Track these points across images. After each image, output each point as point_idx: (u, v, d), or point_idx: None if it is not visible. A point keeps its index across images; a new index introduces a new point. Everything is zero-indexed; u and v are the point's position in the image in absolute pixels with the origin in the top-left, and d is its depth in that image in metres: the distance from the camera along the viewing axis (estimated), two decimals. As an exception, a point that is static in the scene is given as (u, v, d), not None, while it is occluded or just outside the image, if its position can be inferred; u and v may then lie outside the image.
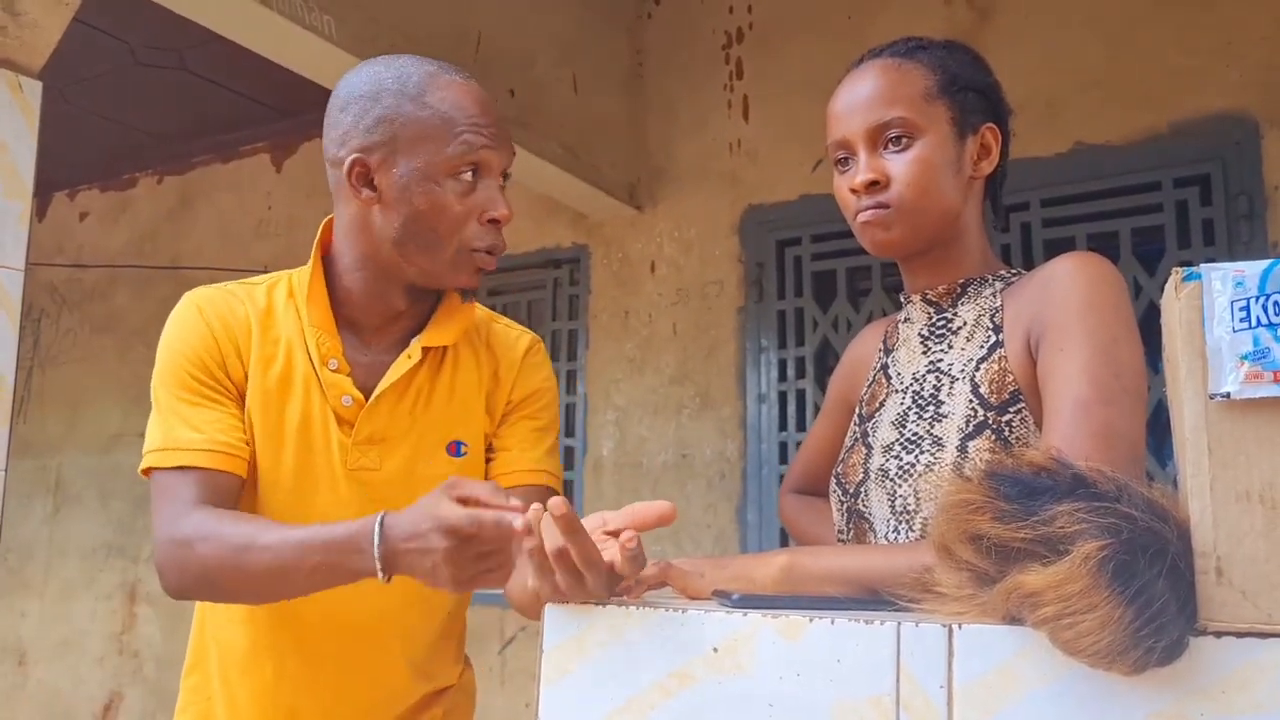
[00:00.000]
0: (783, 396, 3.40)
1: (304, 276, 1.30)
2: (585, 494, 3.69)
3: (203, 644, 1.36)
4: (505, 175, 1.30)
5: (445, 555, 1.02)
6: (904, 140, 1.16)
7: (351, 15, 2.51)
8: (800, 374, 3.39)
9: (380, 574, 1.07)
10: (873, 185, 1.16)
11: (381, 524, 1.07)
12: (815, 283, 3.41)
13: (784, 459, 3.37)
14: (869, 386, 1.30)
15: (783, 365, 3.42)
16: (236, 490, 1.24)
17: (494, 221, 1.26)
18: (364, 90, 1.25)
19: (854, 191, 1.18)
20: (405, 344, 1.30)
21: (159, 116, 4.58)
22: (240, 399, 1.27)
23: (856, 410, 1.31)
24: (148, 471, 1.23)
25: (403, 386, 1.29)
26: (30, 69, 1.86)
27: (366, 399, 1.28)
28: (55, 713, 4.85)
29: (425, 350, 1.30)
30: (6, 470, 1.84)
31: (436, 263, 1.25)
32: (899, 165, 1.16)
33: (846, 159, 1.21)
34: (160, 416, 1.24)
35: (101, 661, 4.78)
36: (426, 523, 1.03)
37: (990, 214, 1.27)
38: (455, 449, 1.32)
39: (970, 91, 1.19)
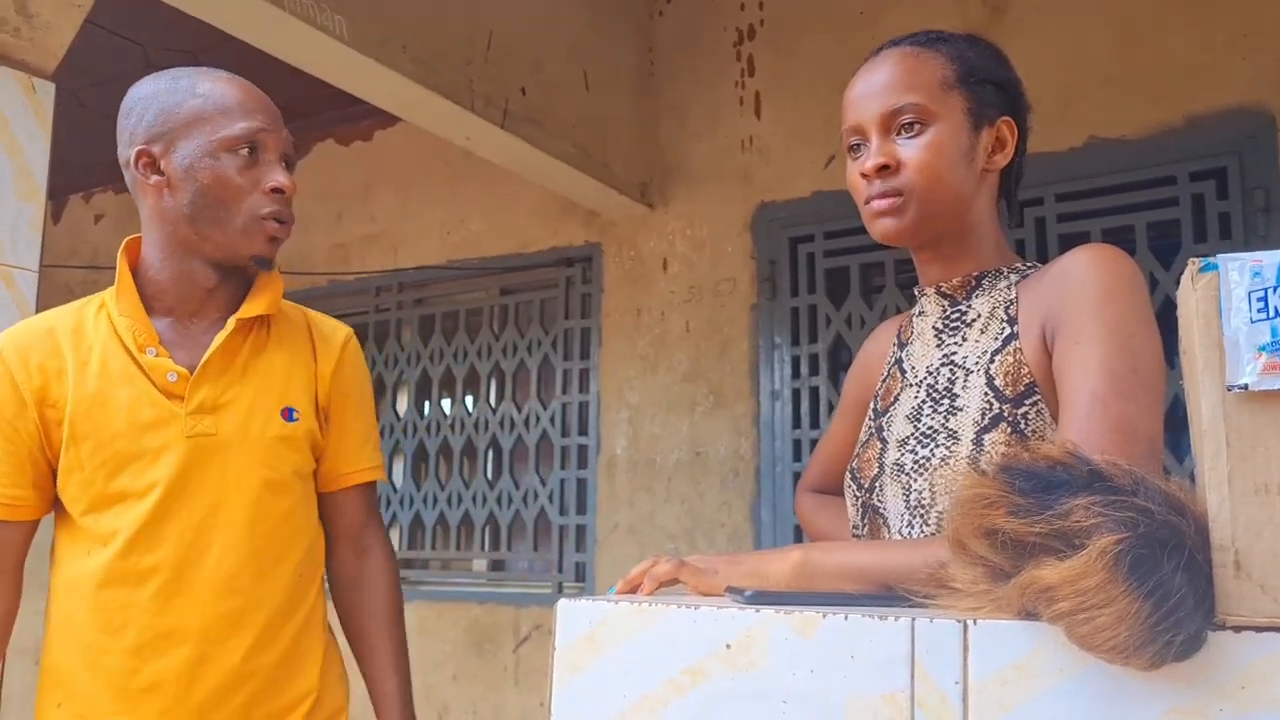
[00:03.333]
0: (796, 393, 3.39)
1: (113, 287, 1.41)
2: (599, 493, 3.69)
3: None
4: (288, 161, 1.42)
5: None
6: (917, 127, 1.15)
7: (363, 15, 2.51)
8: (814, 371, 3.38)
9: None
10: (883, 169, 1.16)
11: None
12: (828, 279, 3.39)
13: (798, 456, 3.36)
14: (884, 381, 1.30)
15: (796, 362, 3.41)
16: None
17: (277, 191, 1.38)
18: (141, 95, 1.41)
19: (864, 176, 1.17)
20: (223, 323, 1.41)
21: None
22: (45, 425, 1.35)
23: (871, 405, 1.30)
24: None
25: (228, 358, 1.40)
26: (43, 70, 1.87)
27: (192, 374, 1.37)
28: None
29: (245, 323, 1.41)
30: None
31: (229, 233, 1.37)
32: (911, 150, 1.15)
33: (859, 145, 1.20)
34: None
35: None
36: None
37: (1004, 210, 1.26)
38: (288, 414, 1.43)
39: (988, 84, 1.19)
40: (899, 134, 1.16)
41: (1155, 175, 2.88)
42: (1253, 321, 0.66)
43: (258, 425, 1.39)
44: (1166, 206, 2.88)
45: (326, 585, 1.55)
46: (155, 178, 1.37)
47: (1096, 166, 2.94)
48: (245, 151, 1.36)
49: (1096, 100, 2.96)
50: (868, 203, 1.18)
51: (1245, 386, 0.66)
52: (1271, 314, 0.65)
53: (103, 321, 1.39)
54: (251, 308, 1.42)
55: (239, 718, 1.37)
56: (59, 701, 1.35)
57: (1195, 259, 0.70)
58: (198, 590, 1.34)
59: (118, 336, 1.38)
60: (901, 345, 1.29)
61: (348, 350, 1.53)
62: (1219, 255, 0.68)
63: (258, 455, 1.38)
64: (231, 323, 1.39)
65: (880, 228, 1.18)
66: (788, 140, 3.48)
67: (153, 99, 1.39)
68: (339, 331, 1.54)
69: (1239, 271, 0.67)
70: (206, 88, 1.38)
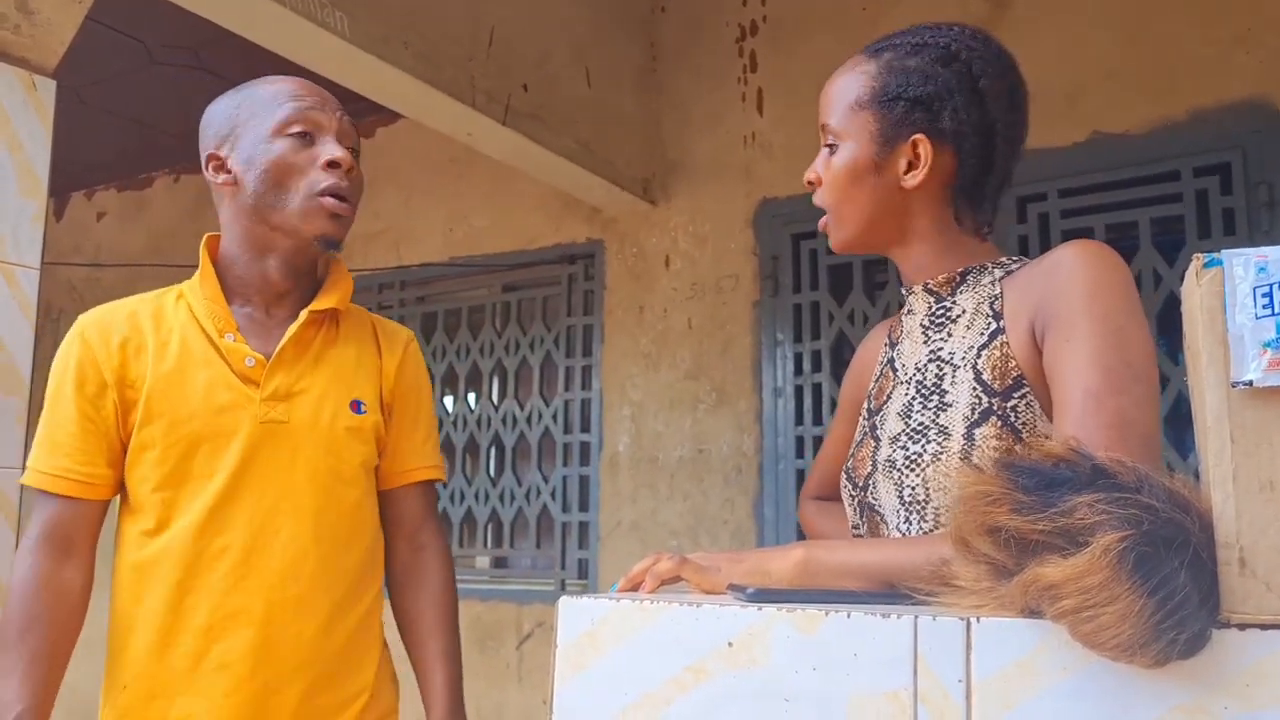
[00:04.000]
0: (799, 390, 3.39)
1: (194, 279, 1.47)
2: (602, 490, 3.69)
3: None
4: (351, 147, 1.46)
5: None
6: (834, 145, 1.22)
7: (365, 12, 2.51)
8: (816, 368, 3.38)
9: None
10: (810, 183, 1.25)
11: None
12: (831, 276, 3.39)
13: (800, 453, 3.36)
14: (876, 381, 1.30)
15: (799, 359, 3.40)
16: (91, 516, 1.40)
17: (333, 165, 1.41)
18: (212, 109, 1.49)
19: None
20: (296, 315, 1.46)
21: (175, 115, 4.60)
22: (123, 405, 1.39)
23: (865, 405, 1.30)
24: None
25: (300, 348, 1.45)
26: (44, 68, 1.87)
27: (268, 361, 1.42)
28: (75, 708, 4.89)
29: (316, 315, 1.46)
30: (22, 468, 1.85)
31: (289, 214, 1.40)
32: (828, 169, 1.23)
33: None
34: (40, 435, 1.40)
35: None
36: None
37: (966, 217, 1.21)
38: (357, 407, 1.47)
39: (901, 101, 1.17)
40: (830, 150, 1.23)
41: (1159, 170, 2.87)
42: (1258, 317, 0.66)
43: (328, 415, 1.43)
44: (1171, 202, 2.87)
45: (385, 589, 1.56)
46: (224, 176, 1.44)
47: (1100, 162, 2.93)
48: (298, 132, 1.41)
49: (1100, 95, 2.95)
50: None
51: (1250, 383, 0.66)
52: (1276, 310, 0.65)
53: (183, 308, 1.45)
54: (324, 300, 1.47)
55: (298, 705, 1.38)
56: (125, 684, 1.37)
57: (1200, 255, 0.69)
58: (265, 574, 1.37)
59: (197, 321, 1.43)
60: (892, 344, 1.29)
61: (410, 350, 1.57)
62: (1224, 251, 0.68)
63: (325, 445, 1.42)
64: (305, 314, 1.44)
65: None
66: (790, 136, 3.47)
67: (218, 111, 1.47)
68: (401, 332, 1.59)
69: (1244, 267, 0.67)
70: (263, 88, 1.45)
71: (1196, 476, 0.73)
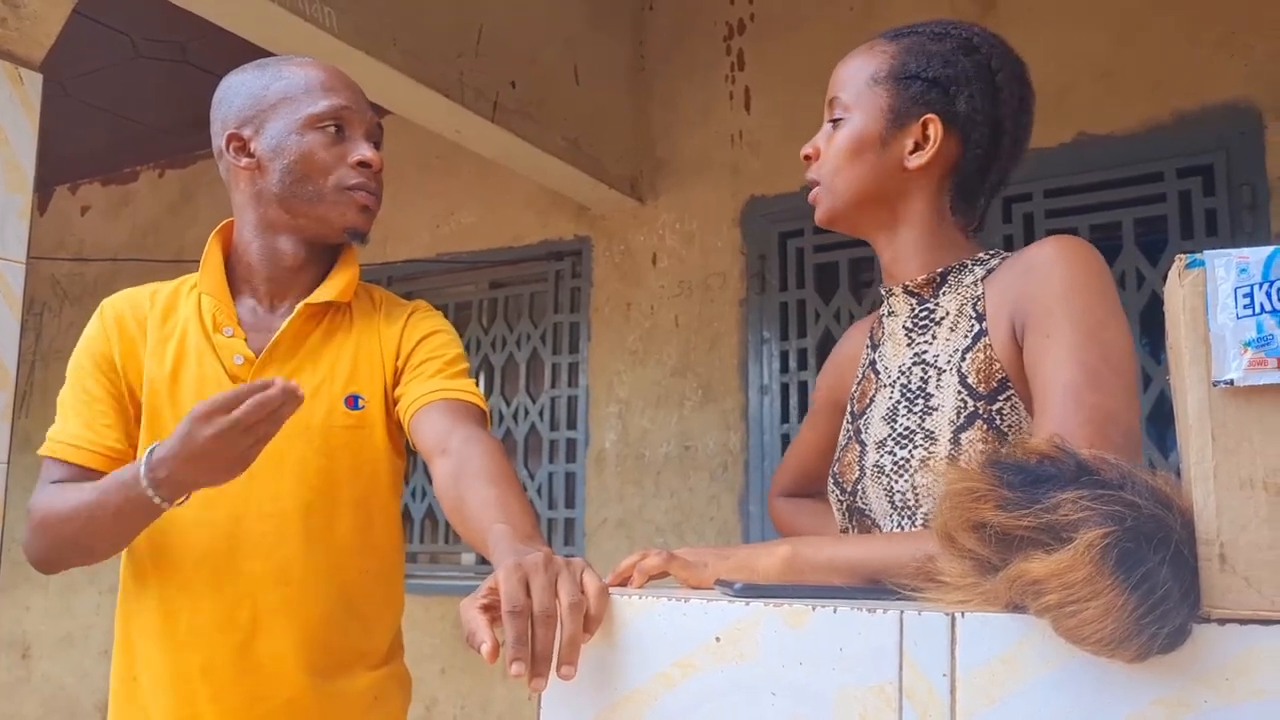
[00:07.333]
0: (785, 388, 3.40)
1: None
2: (588, 486, 3.70)
3: (123, 624, 1.41)
4: (375, 142, 1.43)
5: (212, 439, 1.11)
6: (840, 120, 1.20)
7: (352, 7, 2.50)
8: (802, 366, 3.39)
9: (154, 496, 1.18)
10: (807, 157, 1.23)
11: (151, 451, 1.18)
12: (817, 274, 3.40)
13: (786, 450, 3.36)
14: (859, 384, 1.29)
15: (785, 357, 3.41)
16: None
17: (363, 165, 1.38)
18: (229, 84, 1.43)
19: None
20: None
21: (160, 109, 4.58)
22: (131, 391, 1.39)
23: (848, 408, 1.30)
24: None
25: (296, 343, 1.40)
26: (31, 61, 1.86)
27: (257, 359, 1.38)
28: (58, 706, 4.87)
29: (317, 308, 1.41)
30: (9, 464, 1.84)
31: (319, 206, 1.38)
32: (829, 142, 1.21)
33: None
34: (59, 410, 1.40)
35: (105, 655, 4.77)
36: (184, 425, 1.13)
37: (959, 209, 1.22)
38: (353, 402, 1.40)
39: (918, 80, 1.17)
40: (834, 125, 1.21)
41: (1143, 171, 2.90)
42: (1239, 317, 0.67)
43: (321, 413, 1.37)
44: (1154, 203, 2.89)
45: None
46: (246, 160, 1.39)
47: (1085, 162, 2.95)
48: (331, 128, 1.38)
49: (1086, 96, 2.97)
50: None
51: (1231, 382, 0.66)
52: (1257, 310, 0.66)
53: (192, 300, 1.43)
54: (321, 293, 1.41)
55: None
56: (134, 675, 1.37)
57: (1182, 255, 0.70)
58: (249, 578, 1.34)
59: (200, 315, 1.40)
60: (874, 346, 1.28)
61: (414, 316, 1.47)
62: (1206, 252, 0.69)
63: (318, 444, 1.37)
64: (300, 308, 1.39)
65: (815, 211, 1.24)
66: (777, 135, 3.48)
67: (241, 86, 1.42)
68: (406, 305, 1.50)
69: (1225, 268, 0.68)
70: (291, 71, 1.41)
71: (1178, 473, 0.74)
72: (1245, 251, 0.67)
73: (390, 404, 1.43)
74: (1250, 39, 2.78)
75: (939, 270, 1.19)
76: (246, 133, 1.39)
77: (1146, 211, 2.90)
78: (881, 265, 1.26)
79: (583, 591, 0.87)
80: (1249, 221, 2.73)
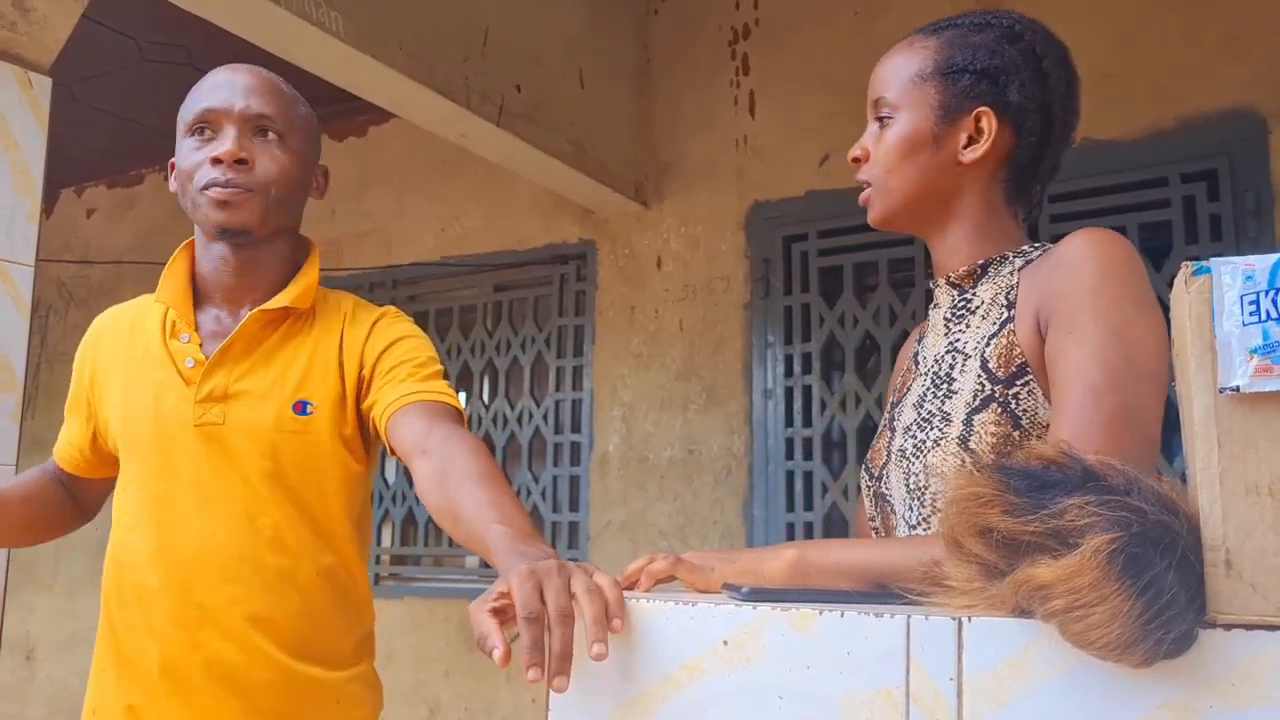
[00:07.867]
0: (789, 392, 3.40)
1: None
2: (592, 490, 3.70)
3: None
4: (265, 129, 1.39)
5: None
6: (888, 119, 1.19)
7: (359, 11, 2.51)
8: (807, 369, 3.39)
9: None
10: (855, 159, 1.22)
11: None
12: (822, 278, 3.41)
13: (790, 454, 3.37)
14: (902, 375, 1.30)
15: (789, 361, 3.42)
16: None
17: (215, 162, 1.36)
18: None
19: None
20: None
21: (166, 113, 4.54)
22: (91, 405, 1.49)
23: (890, 399, 1.30)
24: None
25: (248, 348, 1.40)
26: (40, 65, 1.87)
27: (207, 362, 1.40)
28: (62, 707, 4.87)
29: (273, 314, 1.41)
30: (17, 466, 1.85)
31: (195, 212, 1.39)
32: (879, 143, 1.20)
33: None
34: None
35: (109, 656, 4.78)
36: None
37: (1011, 198, 1.21)
38: (301, 407, 1.39)
39: (967, 74, 1.16)
40: (880, 124, 1.20)
41: (1147, 177, 2.90)
42: (1245, 324, 0.67)
43: (269, 417, 1.37)
44: (1158, 208, 2.89)
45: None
46: (173, 180, 1.44)
47: (1088, 168, 2.95)
48: (200, 132, 1.39)
49: (1089, 101, 2.93)
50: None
51: (1237, 389, 0.67)
52: (1263, 317, 0.66)
53: (158, 309, 1.46)
54: (276, 300, 1.41)
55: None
56: (104, 667, 1.41)
57: (1188, 262, 0.70)
58: (201, 576, 1.35)
59: (163, 323, 1.45)
60: (920, 339, 1.29)
61: (380, 323, 1.46)
62: (1212, 259, 0.69)
63: (266, 448, 1.36)
64: (255, 314, 1.40)
65: (868, 214, 1.23)
66: (782, 139, 3.49)
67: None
68: (374, 311, 1.48)
69: (1231, 275, 0.68)
70: (197, 87, 1.43)
71: (1184, 479, 0.74)
72: (1251, 259, 0.68)
73: (345, 410, 1.41)
74: (1252, 44, 2.78)
75: (980, 262, 1.19)
76: (175, 157, 1.43)
77: (1151, 217, 2.90)
78: (933, 259, 1.25)
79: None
80: (1253, 226, 2.73)
